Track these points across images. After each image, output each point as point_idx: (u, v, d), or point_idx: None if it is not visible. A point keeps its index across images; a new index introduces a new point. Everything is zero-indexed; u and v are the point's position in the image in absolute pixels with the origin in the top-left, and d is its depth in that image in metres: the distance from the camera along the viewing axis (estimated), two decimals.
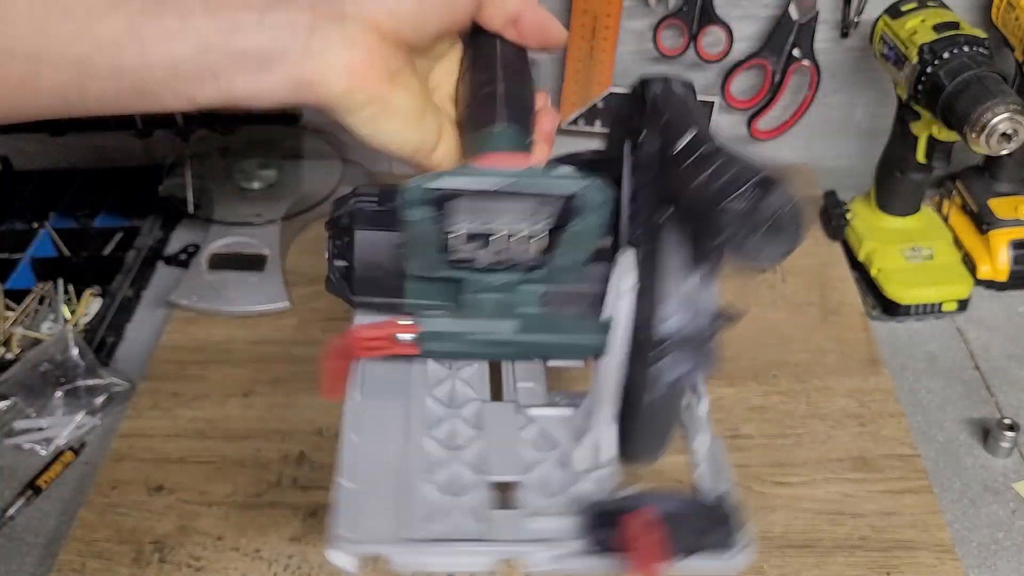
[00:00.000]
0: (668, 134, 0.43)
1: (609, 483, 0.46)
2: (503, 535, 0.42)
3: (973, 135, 0.75)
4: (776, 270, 0.95)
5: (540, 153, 0.46)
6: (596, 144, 1.09)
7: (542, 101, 0.49)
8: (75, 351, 0.85)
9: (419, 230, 0.43)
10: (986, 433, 0.78)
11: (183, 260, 1.00)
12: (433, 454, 0.46)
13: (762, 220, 0.40)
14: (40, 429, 0.83)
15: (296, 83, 0.40)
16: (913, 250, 0.94)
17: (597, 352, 0.46)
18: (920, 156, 0.91)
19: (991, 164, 0.97)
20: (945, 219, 0.99)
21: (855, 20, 1.00)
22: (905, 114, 0.89)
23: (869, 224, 0.97)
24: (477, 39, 0.49)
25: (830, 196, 1.01)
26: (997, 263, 0.93)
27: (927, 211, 0.99)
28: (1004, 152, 0.76)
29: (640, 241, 0.45)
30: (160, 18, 0.38)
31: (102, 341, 0.90)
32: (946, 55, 0.81)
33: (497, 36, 0.49)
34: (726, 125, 1.07)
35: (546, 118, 0.48)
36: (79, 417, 0.83)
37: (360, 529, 0.41)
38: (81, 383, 0.85)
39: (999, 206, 0.95)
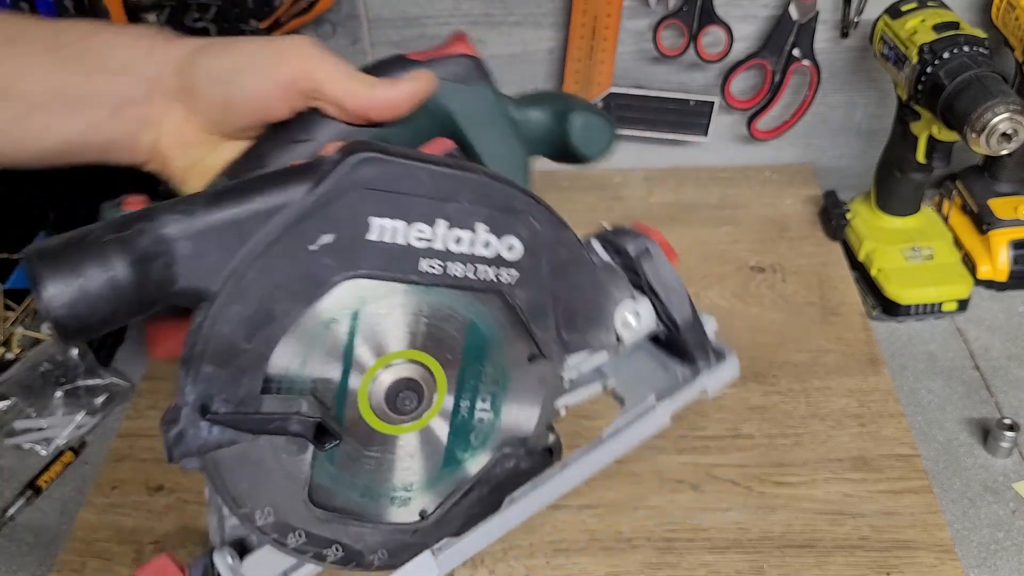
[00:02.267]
0: None
1: None
2: None
3: (973, 135, 0.75)
4: (776, 270, 0.95)
5: None
6: None
7: None
8: (75, 351, 0.85)
9: None
10: (986, 433, 0.78)
11: None
12: None
13: None
14: (40, 429, 0.83)
15: (130, 161, 0.51)
16: (913, 250, 0.94)
17: None
18: (920, 156, 0.91)
19: (991, 164, 0.97)
20: (945, 219, 0.99)
21: (855, 20, 1.00)
22: (905, 114, 0.89)
23: (869, 224, 0.97)
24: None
25: (830, 196, 1.01)
26: (997, 263, 0.93)
27: (927, 211, 0.99)
28: (1004, 152, 0.76)
29: None
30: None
31: (102, 341, 0.90)
32: (946, 55, 0.81)
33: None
34: (726, 125, 1.08)
35: None
36: (79, 417, 0.83)
37: None
38: (81, 383, 0.85)
39: (999, 206, 0.95)
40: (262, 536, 0.45)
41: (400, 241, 0.42)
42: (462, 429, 0.49)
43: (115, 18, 1.00)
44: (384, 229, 0.41)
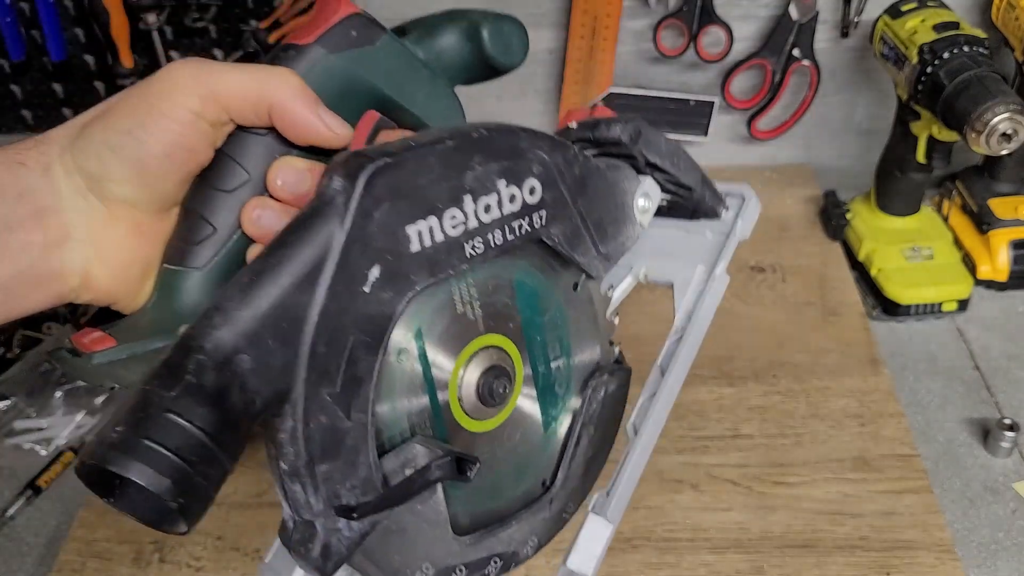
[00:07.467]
0: None
1: None
2: None
3: (973, 135, 0.75)
4: (776, 270, 0.95)
5: None
6: None
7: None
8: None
9: None
10: (986, 433, 0.78)
11: None
12: None
13: None
14: (40, 429, 0.83)
15: (58, 298, 0.41)
16: (913, 250, 0.94)
17: None
18: (920, 156, 0.91)
19: (991, 164, 0.97)
20: (945, 219, 0.99)
21: (855, 20, 1.00)
22: (905, 114, 0.89)
23: (869, 224, 0.97)
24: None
25: (830, 196, 1.01)
26: (997, 263, 0.93)
27: (927, 211, 0.99)
28: (1004, 152, 0.76)
29: None
30: None
31: None
32: (946, 55, 0.81)
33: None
34: (726, 125, 1.08)
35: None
36: (79, 417, 0.83)
37: None
38: (81, 383, 0.85)
39: (999, 206, 0.95)
40: None
41: (439, 238, 0.38)
42: (546, 387, 0.47)
43: (115, 18, 1.00)
44: (421, 234, 0.38)
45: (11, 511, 0.76)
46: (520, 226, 0.42)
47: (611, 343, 0.51)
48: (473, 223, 0.39)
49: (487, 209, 0.40)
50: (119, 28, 1.01)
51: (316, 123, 0.42)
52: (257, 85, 0.41)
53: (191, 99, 0.40)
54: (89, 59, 1.09)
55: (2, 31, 1.02)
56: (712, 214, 0.53)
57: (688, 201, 0.52)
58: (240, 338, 0.33)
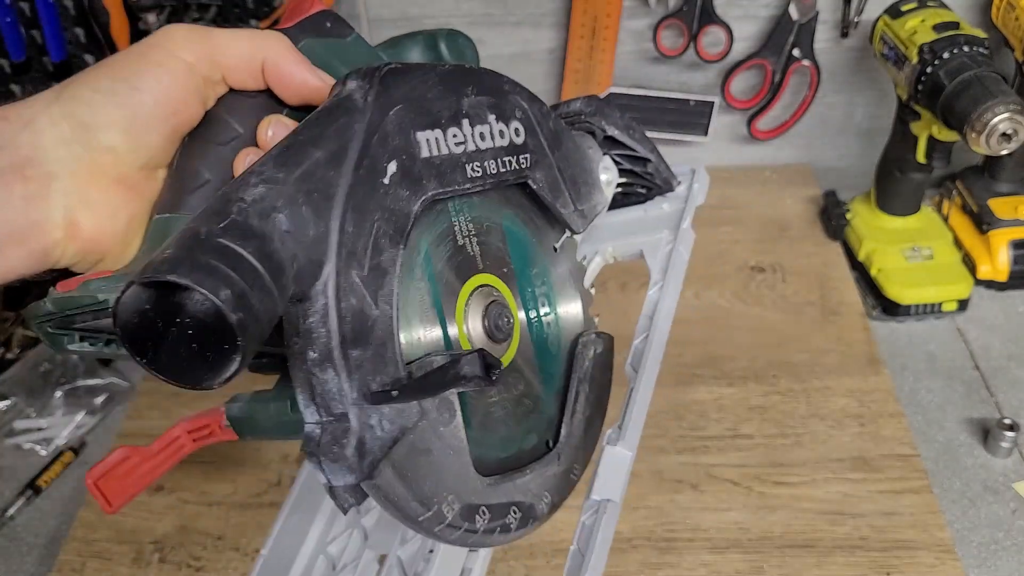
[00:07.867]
0: None
1: None
2: None
3: (973, 135, 0.75)
4: (776, 270, 0.95)
5: None
6: None
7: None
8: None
9: None
10: (986, 433, 0.78)
11: None
12: None
13: None
14: (40, 429, 0.83)
15: (42, 255, 0.39)
16: (913, 250, 0.94)
17: None
18: (920, 156, 0.91)
19: (991, 164, 0.97)
20: (945, 219, 0.99)
21: (855, 20, 1.00)
22: (905, 114, 0.89)
23: (869, 224, 0.97)
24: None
25: (830, 196, 1.01)
26: (997, 263, 0.93)
27: (927, 211, 0.99)
28: (1004, 152, 0.76)
29: None
30: None
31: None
32: (946, 55, 0.81)
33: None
34: (726, 125, 1.08)
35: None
36: (79, 417, 0.83)
37: None
38: (81, 383, 0.85)
39: (999, 206, 0.95)
40: (451, 532, 0.41)
41: (444, 151, 0.41)
42: (541, 340, 0.49)
43: (115, 18, 1.00)
44: (429, 142, 0.41)
45: (11, 511, 0.76)
46: (510, 162, 0.45)
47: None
48: (471, 146, 0.43)
49: (482, 137, 0.43)
50: (119, 28, 1.01)
51: (310, 76, 0.44)
52: (250, 43, 0.43)
53: (185, 52, 0.41)
54: (89, 59, 1.09)
55: (2, 31, 1.02)
56: (667, 187, 0.58)
57: (644, 175, 0.56)
58: (277, 196, 0.34)
